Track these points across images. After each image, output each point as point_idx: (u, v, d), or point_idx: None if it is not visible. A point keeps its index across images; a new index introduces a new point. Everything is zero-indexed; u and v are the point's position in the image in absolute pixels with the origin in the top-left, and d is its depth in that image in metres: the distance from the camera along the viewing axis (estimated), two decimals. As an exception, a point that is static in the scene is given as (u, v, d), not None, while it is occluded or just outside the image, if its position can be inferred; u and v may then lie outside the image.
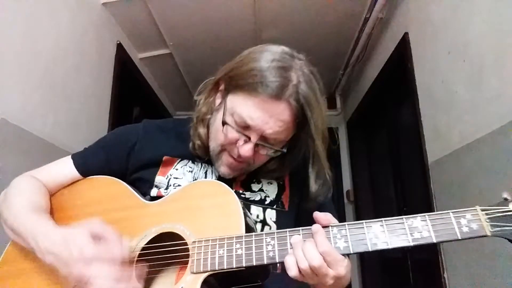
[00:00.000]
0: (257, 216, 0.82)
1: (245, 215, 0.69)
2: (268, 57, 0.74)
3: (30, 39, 1.48)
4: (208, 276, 0.64)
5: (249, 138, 0.74)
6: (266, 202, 0.84)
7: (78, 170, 0.87)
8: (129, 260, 0.66)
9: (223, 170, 0.80)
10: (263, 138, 0.75)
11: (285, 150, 0.78)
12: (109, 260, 0.62)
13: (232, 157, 0.78)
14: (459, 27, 1.58)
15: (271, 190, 0.86)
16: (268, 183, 0.86)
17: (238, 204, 0.68)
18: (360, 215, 3.36)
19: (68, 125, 1.76)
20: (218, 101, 0.83)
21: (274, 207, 0.84)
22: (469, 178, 1.49)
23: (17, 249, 0.79)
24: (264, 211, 0.83)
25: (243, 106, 0.74)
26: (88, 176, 0.86)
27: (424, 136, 1.92)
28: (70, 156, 0.90)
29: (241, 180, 0.86)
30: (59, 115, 1.68)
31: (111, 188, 0.82)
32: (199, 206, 0.72)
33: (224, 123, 0.76)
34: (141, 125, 0.92)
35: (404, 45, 2.14)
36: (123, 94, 2.42)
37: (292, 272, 0.60)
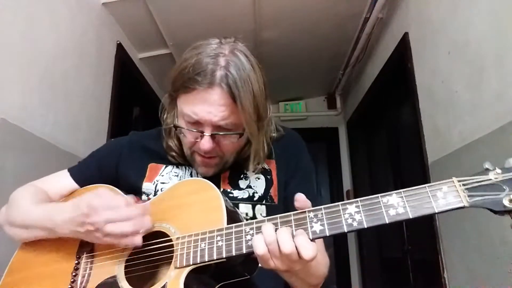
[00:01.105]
0: (246, 214, 0.84)
1: (228, 208, 0.70)
2: (195, 52, 0.79)
3: (30, 39, 1.48)
4: (193, 272, 0.65)
5: (202, 132, 0.77)
6: (255, 199, 0.86)
7: (75, 180, 0.92)
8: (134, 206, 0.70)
9: (200, 170, 0.85)
10: (216, 127, 0.77)
11: (242, 132, 0.79)
12: (115, 205, 0.68)
13: (201, 156, 0.82)
14: (459, 27, 1.58)
15: (259, 186, 0.87)
16: (256, 178, 0.88)
17: (220, 198, 0.70)
18: (360, 215, 3.35)
19: (68, 125, 1.76)
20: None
21: (263, 202, 0.86)
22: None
23: (21, 258, 0.83)
24: (253, 208, 0.84)
25: (186, 105, 0.78)
26: (85, 185, 0.91)
27: (424, 136, 1.92)
28: (66, 170, 0.95)
29: (228, 177, 0.87)
30: (59, 115, 1.68)
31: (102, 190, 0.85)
32: (184, 203, 0.74)
33: (175, 127, 0.81)
34: (127, 137, 0.98)
35: (404, 45, 2.14)
36: (123, 94, 2.41)
37: (260, 250, 0.58)
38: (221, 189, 0.86)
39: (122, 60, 2.44)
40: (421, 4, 1.95)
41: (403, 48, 2.15)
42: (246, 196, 0.85)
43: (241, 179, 0.88)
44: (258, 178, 0.88)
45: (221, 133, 0.78)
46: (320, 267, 0.77)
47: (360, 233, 3.32)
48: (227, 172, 0.88)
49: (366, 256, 3.23)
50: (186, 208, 0.73)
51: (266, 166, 0.90)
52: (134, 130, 1.04)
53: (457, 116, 1.61)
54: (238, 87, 0.75)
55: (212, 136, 0.78)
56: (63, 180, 0.92)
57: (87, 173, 0.93)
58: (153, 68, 3.02)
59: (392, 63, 2.39)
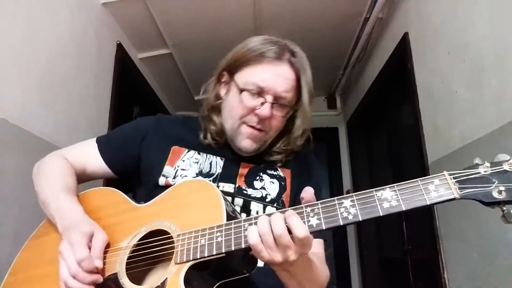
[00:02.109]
0: (257, 212, 0.86)
1: (227, 206, 0.71)
2: (259, 38, 0.89)
3: (30, 39, 1.48)
4: (194, 268, 0.66)
5: (265, 100, 0.84)
6: (267, 200, 0.88)
7: (102, 156, 0.96)
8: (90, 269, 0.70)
9: (245, 143, 0.87)
10: (276, 98, 0.85)
11: (296, 108, 0.89)
12: (77, 259, 0.69)
13: (251, 127, 0.86)
14: (459, 27, 1.58)
15: (272, 189, 0.90)
16: (270, 182, 0.91)
17: (219, 196, 0.71)
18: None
19: (68, 125, 1.76)
20: (224, 90, 0.92)
21: (275, 205, 0.88)
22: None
23: (25, 257, 0.85)
24: (264, 208, 0.87)
25: (253, 74, 0.85)
26: (110, 163, 0.95)
27: (424, 136, 1.92)
28: (95, 139, 0.99)
29: (245, 175, 0.90)
30: (59, 115, 1.68)
31: (107, 197, 0.88)
32: (185, 202, 0.76)
33: (242, 90, 0.85)
34: (154, 117, 1.01)
35: (404, 45, 2.14)
36: (123, 94, 2.41)
37: (252, 239, 0.60)
38: (237, 185, 0.89)
39: (122, 60, 2.44)
40: (421, 4, 1.95)
41: (403, 48, 2.15)
42: (259, 196, 0.88)
43: (257, 180, 0.90)
44: (273, 183, 0.91)
45: (280, 103, 0.86)
46: (320, 274, 0.78)
47: (360, 233, 3.33)
48: (245, 169, 0.91)
49: (366, 256, 3.23)
50: (186, 206, 0.75)
51: (281, 174, 0.94)
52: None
53: (457, 116, 1.61)
54: (303, 67, 0.88)
55: (272, 106, 0.84)
56: (91, 152, 0.96)
57: (112, 148, 0.96)
58: (153, 68, 3.02)
59: (392, 63, 2.39)
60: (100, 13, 2.17)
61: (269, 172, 0.93)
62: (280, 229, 0.59)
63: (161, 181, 0.89)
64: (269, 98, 0.84)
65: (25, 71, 1.45)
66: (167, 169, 0.90)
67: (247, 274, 0.71)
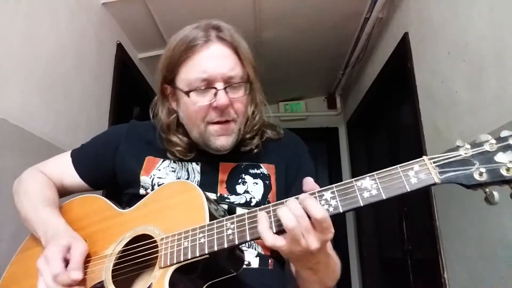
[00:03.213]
0: None
1: (211, 206, 0.70)
2: (177, 35, 0.83)
3: (30, 39, 1.48)
4: (179, 271, 0.66)
5: (216, 88, 0.78)
6: (252, 204, 0.85)
7: (75, 169, 0.94)
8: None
9: (220, 142, 0.82)
10: (225, 81, 0.79)
11: (249, 81, 0.83)
12: (52, 274, 0.67)
13: (216, 123, 0.81)
14: (459, 27, 1.58)
15: (256, 191, 0.86)
16: (254, 183, 0.87)
17: (202, 196, 0.70)
18: (360, 215, 3.36)
19: (68, 125, 1.76)
20: (174, 103, 0.88)
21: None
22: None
23: (14, 272, 0.85)
24: None
25: (190, 71, 0.80)
26: (83, 175, 0.94)
27: (424, 136, 1.92)
28: (69, 154, 0.97)
29: (226, 181, 0.86)
30: (59, 115, 1.68)
31: (91, 205, 0.87)
32: (167, 205, 0.74)
33: (188, 92, 0.79)
34: (126, 126, 0.98)
35: (404, 45, 2.14)
36: (123, 94, 2.41)
37: (291, 222, 0.56)
38: (218, 194, 0.85)
39: (122, 60, 2.44)
40: (421, 4, 1.95)
41: (403, 48, 2.15)
42: (243, 201, 0.85)
43: (239, 184, 0.86)
44: (256, 183, 0.87)
45: (233, 84, 0.80)
46: (337, 268, 0.76)
47: (360, 233, 3.33)
48: (225, 174, 0.87)
49: (366, 256, 3.23)
50: (169, 209, 0.74)
51: (265, 171, 0.89)
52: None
53: (457, 116, 1.61)
54: (235, 38, 0.81)
55: (226, 92, 0.78)
56: (66, 165, 0.95)
57: (85, 162, 0.95)
58: (153, 68, 2.99)
59: (392, 63, 2.39)
60: (100, 13, 2.17)
61: (252, 171, 0.88)
62: (320, 212, 0.56)
63: (141, 191, 0.87)
64: (219, 85, 0.78)
65: (25, 71, 1.45)
66: (143, 179, 0.87)
67: (235, 273, 0.70)
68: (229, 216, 0.65)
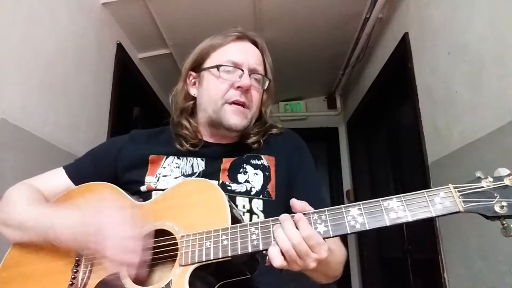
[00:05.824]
0: (243, 206, 0.86)
1: (231, 208, 0.71)
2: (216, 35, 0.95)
3: (30, 39, 1.48)
4: (197, 270, 0.66)
5: (242, 71, 0.88)
6: (252, 193, 0.87)
7: (70, 179, 0.92)
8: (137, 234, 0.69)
9: (234, 120, 0.87)
10: (251, 70, 0.90)
11: (270, 77, 0.95)
12: (126, 237, 0.67)
13: (234, 103, 0.87)
14: (459, 27, 1.58)
15: (256, 181, 0.89)
16: (254, 174, 0.90)
17: (224, 198, 0.71)
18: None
19: (68, 125, 1.76)
20: (193, 89, 0.96)
21: (260, 197, 0.87)
22: (469, 178, 1.49)
23: (16, 254, 0.82)
24: (250, 201, 0.86)
25: (223, 54, 0.90)
26: (80, 184, 0.90)
27: (424, 136, 1.92)
28: (62, 168, 0.94)
29: (228, 170, 0.89)
30: (59, 115, 1.68)
31: (104, 192, 0.85)
32: (187, 203, 0.75)
33: (219, 66, 0.88)
34: (128, 134, 1.00)
35: (404, 45, 2.14)
36: (123, 94, 2.41)
37: (277, 261, 0.61)
38: (220, 181, 0.88)
39: (122, 60, 2.44)
40: (421, 4, 1.95)
41: (403, 48, 2.15)
42: (243, 190, 0.87)
43: (240, 173, 0.89)
44: (257, 174, 0.90)
45: (257, 74, 0.91)
46: (340, 260, 0.80)
47: (360, 233, 3.32)
48: (227, 164, 0.90)
49: (366, 256, 3.23)
50: (189, 207, 0.74)
51: (265, 163, 0.92)
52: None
53: (457, 116, 1.61)
54: (264, 47, 0.95)
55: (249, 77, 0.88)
56: (58, 179, 0.92)
57: (83, 171, 0.92)
58: (153, 68, 3.02)
59: (392, 63, 2.39)
60: (100, 13, 2.17)
61: (253, 162, 0.91)
62: (297, 239, 0.60)
63: (143, 188, 0.88)
64: (246, 69, 0.88)
65: (25, 71, 1.45)
66: (149, 179, 0.88)
67: (249, 276, 0.71)
68: (252, 222, 0.67)
